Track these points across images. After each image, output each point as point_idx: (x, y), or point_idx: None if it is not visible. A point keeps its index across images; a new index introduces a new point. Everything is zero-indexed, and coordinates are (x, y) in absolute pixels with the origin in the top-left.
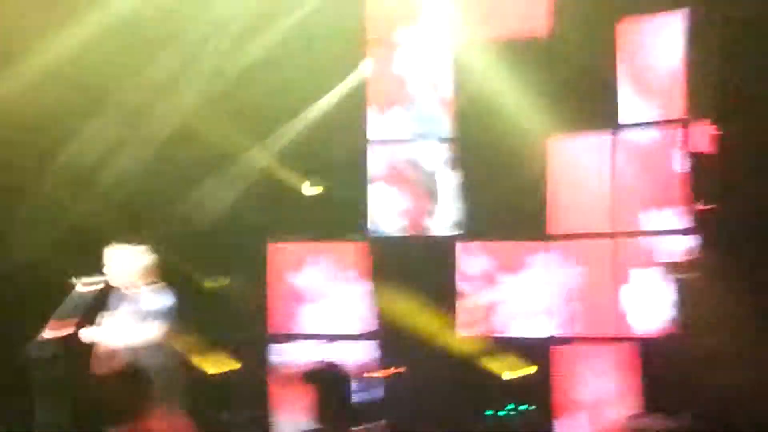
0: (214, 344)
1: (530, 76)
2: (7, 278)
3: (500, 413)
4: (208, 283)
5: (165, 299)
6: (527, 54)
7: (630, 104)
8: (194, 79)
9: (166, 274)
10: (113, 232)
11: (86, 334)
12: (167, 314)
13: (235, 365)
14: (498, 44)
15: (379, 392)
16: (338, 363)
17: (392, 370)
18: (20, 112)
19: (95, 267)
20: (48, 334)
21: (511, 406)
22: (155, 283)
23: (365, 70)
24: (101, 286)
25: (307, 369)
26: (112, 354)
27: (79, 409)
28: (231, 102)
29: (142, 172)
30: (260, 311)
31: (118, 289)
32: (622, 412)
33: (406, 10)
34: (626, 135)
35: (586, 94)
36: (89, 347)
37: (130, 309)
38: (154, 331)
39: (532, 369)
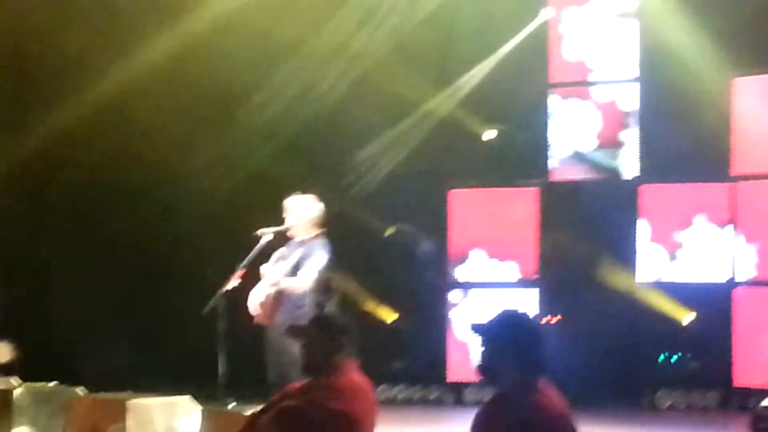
0: (393, 292)
1: (715, 16)
2: (194, 231)
3: (673, 359)
4: (389, 230)
5: (323, 251)
6: None
7: None
8: (375, 28)
9: (345, 222)
10: (294, 181)
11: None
12: (323, 266)
13: (412, 313)
14: None
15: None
16: (523, 312)
17: (555, 317)
18: (206, 61)
19: (276, 217)
20: (233, 284)
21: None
22: (323, 233)
23: (547, 14)
24: (282, 232)
25: (493, 318)
26: (276, 304)
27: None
28: (411, 51)
29: (324, 122)
30: (439, 258)
31: (291, 238)
32: None
33: None
34: None
35: None
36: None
37: (297, 258)
38: (307, 280)
39: (711, 315)
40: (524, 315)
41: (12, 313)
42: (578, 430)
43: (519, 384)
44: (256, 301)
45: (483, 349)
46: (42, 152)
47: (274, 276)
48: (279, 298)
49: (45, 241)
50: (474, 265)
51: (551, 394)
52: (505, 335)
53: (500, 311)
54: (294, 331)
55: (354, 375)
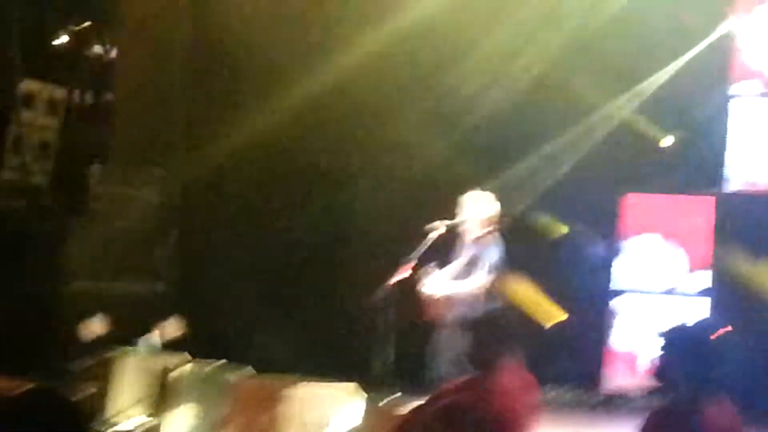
0: (562, 294)
1: None
2: (362, 223)
3: None
4: (562, 231)
5: (499, 248)
6: None
7: None
8: (558, 29)
9: (516, 223)
10: (469, 179)
11: (432, 281)
12: (496, 267)
13: (574, 317)
14: None
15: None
16: (695, 326)
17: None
18: (387, 63)
19: (449, 213)
20: (402, 276)
21: None
22: (495, 231)
23: (732, 23)
24: (452, 230)
25: (669, 331)
26: (446, 302)
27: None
28: (593, 53)
29: (502, 121)
30: (610, 262)
31: (462, 235)
32: None
33: None
34: None
35: None
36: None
37: (469, 256)
38: (484, 279)
39: None
40: (713, 329)
41: (184, 291)
42: None
43: (695, 396)
44: (429, 297)
45: (666, 355)
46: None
47: (446, 276)
48: (451, 298)
49: (224, 227)
50: (644, 271)
51: (726, 409)
52: (694, 347)
53: (691, 322)
54: (466, 325)
55: (519, 374)
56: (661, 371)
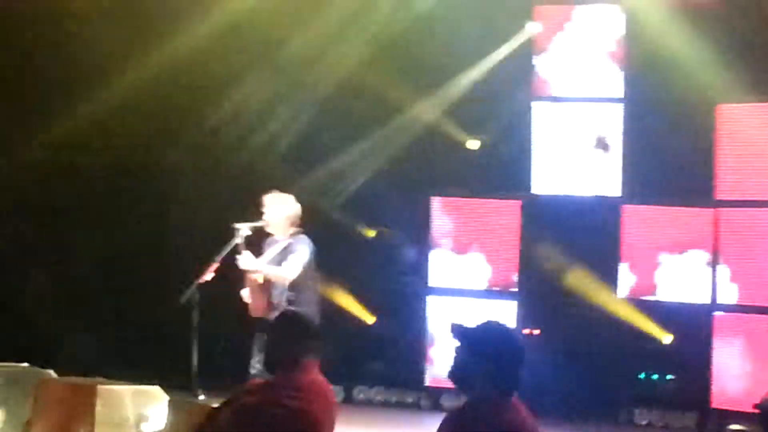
0: (373, 294)
1: (704, 42)
2: (172, 223)
3: (653, 377)
4: (370, 233)
5: (306, 246)
6: (702, 19)
7: None
8: (364, 30)
9: (325, 222)
10: (274, 181)
11: (244, 262)
12: (307, 260)
13: (391, 316)
14: (673, 7)
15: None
16: (507, 325)
17: (532, 330)
18: (191, 65)
19: (255, 214)
20: (208, 276)
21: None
22: (300, 231)
23: (534, 26)
24: (258, 227)
25: (477, 326)
26: (264, 293)
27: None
28: (399, 56)
29: (308, 123)
30: (420, 264)
31: (270, 235)
32: None
33: None
34: None
35: (759, 62)
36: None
37: (275, 252)
38: (292, 273)
39: (690, 336)
40: (508, 328)
41: None
42: None
43: (492, 397)
44: (245, 291)
45: (460, 355)
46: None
47: (257, 263)
48: (266, 287)
49: (26, 228)
50: (453, 272)
51: (522, 411)
52: (488, 346)
53: (485, 321)
54: (262, 326)
55: (315, 374)
56: (456, 369)
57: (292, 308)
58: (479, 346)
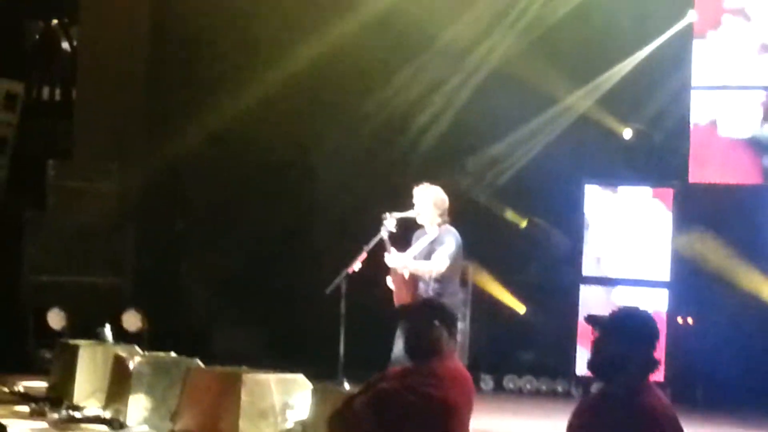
0: (524, 284)
1: None
2: (323, 215)
3: None
4: (523, 223)
5: (454, 238)
6: None
7: None
8: (517, 20)
9: (479, 212)
10: (426, 171)
11: (391, 260)
12: (455, 252)
13: (543, 305)
14: None
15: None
16: (645, 312)
17: (686, 318)
18: (345, 59)
19: (405, 205)
20: (357, 265)
21: None
22: (448, 222)
23: (691, 17)
24: (406, 218)
25: (613, 315)
26: (411, 285)
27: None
28: (552, 45)
29: (459, 114)
30: (573, 253)
31: (419, 227)
32: None
33: None
34: None
35: None
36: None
37: (424, 244)
38: (441, 266)
39: None
40: (641, 311)
41: (143, 285)
42: None
43: (628, 382)
44: (392, 270)
45: (596, 343)
46: None
47: (404, 258)
48: (412, 280)
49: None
50: (607, 262)
51: (658, 393)
52: (621, 330)
53: (622, 309)
54: (401, 313)
55: (453, 362)
56: (592, 360)
57: (436, 298)
58: (613, 331)
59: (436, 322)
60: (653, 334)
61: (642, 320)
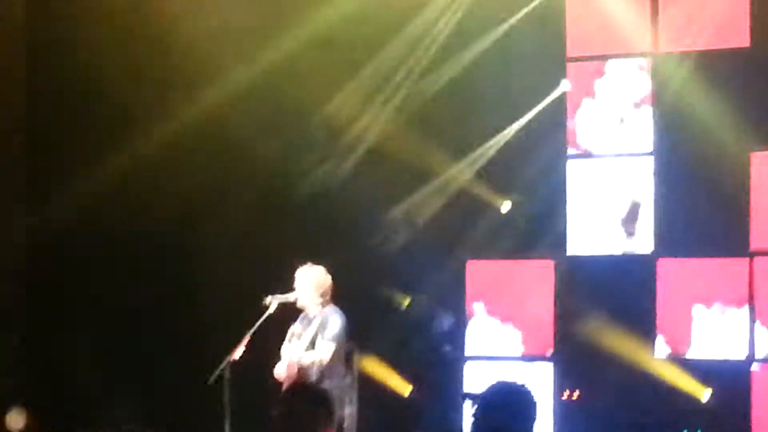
0: (408, 364)
1: (731, 89)
2: (199, 299)
3: None
4: (405, 302)
5: (338, 318)
6: (727, 65)
7: None
8: (392, 96)
9: (356, 293)
10: (305, 251)
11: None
12: (340, 335)
13: (428, 385)
14: (697, 56)
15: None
16: (521, 385)
17: (572, 393)
18: (219, 128)
19: (286, 286)
20: (240, 352)
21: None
22: (329, 303)
23: (564, 86)
24: (289, 302)
25: (489, 390)
26: (295, 374)
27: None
28: (429, 120)
29: (337, 190)
30: (456, 331)
31: (302, 309)
32: None
33: (605, 27)
34: None
35: None
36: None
37: (308, 329)
38: (326, 354)
39: (729, 392)
40: (518, 384)
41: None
42: None
43: None
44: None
45: (475, 419)
46: None
47: (293, 354)
48: (303, 374)
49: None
50: (490, 338)
51: None
52: (500, 404)
53: (498, 382)
54: (275, 399)
55: None
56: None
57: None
58: (490, 405)
59: (306, 406)
60: (531, 407)
61: (518, 393)
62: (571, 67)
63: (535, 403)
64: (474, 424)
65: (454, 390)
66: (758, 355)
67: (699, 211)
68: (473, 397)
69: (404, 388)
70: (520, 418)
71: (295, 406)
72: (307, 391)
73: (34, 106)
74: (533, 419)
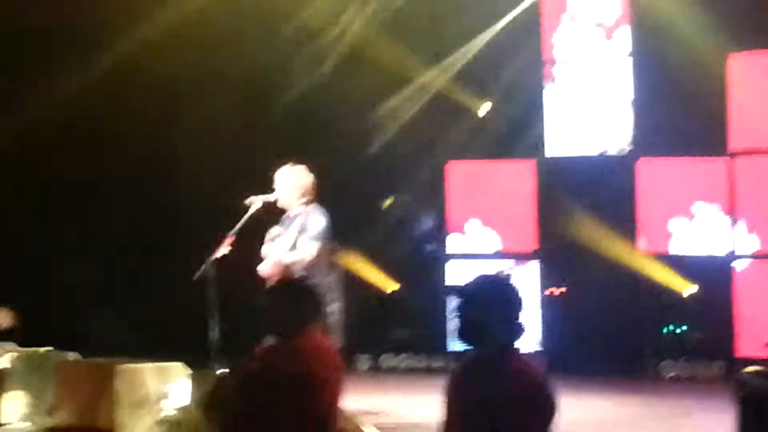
0: (391, 263)
1: None
2: (186, 200)
3: (678, 331)
4: (386, 203)
5: (321, 216)
6: None
7: None
8: (365, 5)
9: (341, 193)
10: (285, 153)
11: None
12: (323, 234)
13: (412, 283)
14: None
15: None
16: (502, 278)
17: (556, 288)
18: (195, 33)
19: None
20: (223, 251)
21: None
22: (312, 202)
23: None
24: (270, 202)
25: (469, 283)
26: (280, 273)
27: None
28: (404, 24)
29: (315, 95)
30: (437, 230)
31: (284, 210)
32: None
33: None
34: None
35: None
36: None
37: (291, 228)
38: (309, 252)
39: (711, 287)
40: (502, 278)
41: (13, 280)
42: (556, 400)
43: (495, 349)
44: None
45: (460, 313)
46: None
47: (276, 253)
48: (287, 272)
49: (49, 211)
50: (472, 237)
51: (527, 361)
52: (483, 297)
53: (480, 276)
54: (261, 293)
55: (317, 338)
56: (459, 330)
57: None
58: (470, 298)
59: (294, 300)
60: (512, 299)
61: (498, 286)
62: None
63: (518, 296)
64: (456, 318)
65: (436, 288)
66: (738, 252)
67: (678, 112)
68: (453, 290)
69: (387, 285)
70: (501, 310)
71: (282, 300)
72: (293, 286)
73: None
74: (517, 312)
